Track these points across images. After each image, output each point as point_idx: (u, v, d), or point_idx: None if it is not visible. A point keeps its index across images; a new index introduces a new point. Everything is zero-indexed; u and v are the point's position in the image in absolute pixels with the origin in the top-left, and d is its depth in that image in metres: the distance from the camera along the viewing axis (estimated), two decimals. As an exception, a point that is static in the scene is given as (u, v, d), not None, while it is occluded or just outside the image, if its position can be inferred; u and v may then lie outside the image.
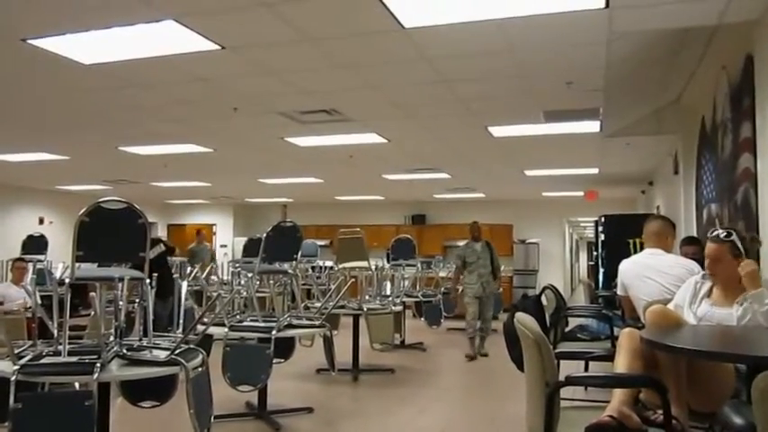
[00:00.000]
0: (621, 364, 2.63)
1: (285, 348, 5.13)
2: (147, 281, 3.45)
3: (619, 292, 4.06)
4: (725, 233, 2.85)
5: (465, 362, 7.79)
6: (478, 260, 8.13)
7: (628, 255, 4.22)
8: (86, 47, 4.37)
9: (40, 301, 3.77)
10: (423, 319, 9.65)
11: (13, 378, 2.76)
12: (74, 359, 3.01)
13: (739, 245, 2.81)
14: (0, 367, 2.96)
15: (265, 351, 4.54)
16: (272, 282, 6.00)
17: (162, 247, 6.95)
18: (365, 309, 6.91)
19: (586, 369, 4.77)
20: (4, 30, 4.08)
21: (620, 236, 8.39)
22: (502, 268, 12.14)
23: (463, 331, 10.77)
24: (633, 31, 4.19)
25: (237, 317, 5.26)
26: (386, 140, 7.73)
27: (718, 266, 2.86)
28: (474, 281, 8.08)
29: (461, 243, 12.02)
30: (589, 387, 4.58)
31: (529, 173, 10.55)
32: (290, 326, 4.95)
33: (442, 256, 13.87)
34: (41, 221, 13.57)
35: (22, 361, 2.89)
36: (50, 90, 5.63)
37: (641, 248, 4.22)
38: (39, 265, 8.22)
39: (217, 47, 4.33)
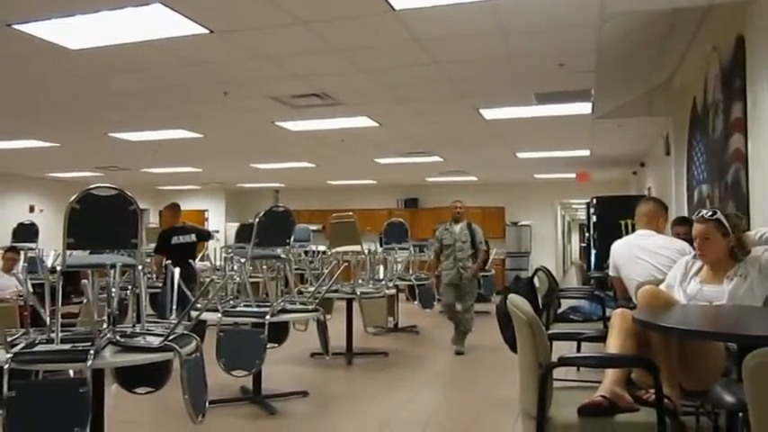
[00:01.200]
0: (613, 345, 2.65)
1: (279, 333, 5.13)
2: (140, 267, 3.44)
3: (611, 273, 4.08)
4: (710, 212, 2.88)
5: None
6: (455, 243, 7.25)
7: (620, 236, 4.23)
8: (73, 32, 4.32)
9: (31, 290, 3.76)
10: (416, 302, 9.69)
11: (6, 366, 2.75)
12: (67, 346, 3.01)
13: (725, 222, 2.83)
14: (-7, 356, 2.96)
15: (259, 336, 4.54)
16: (265, 267, 6.00)
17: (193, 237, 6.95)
18: (358, 293, 6.92)
19: (579, 350, 4.80)
20: (-11, 15, 4.03)
21: (612, 217, 8.43)
22: (493, 252, 12.24)
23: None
24: (625, 11, 4.18)
25: (231, 302, 5.26)
26: (377, 124, 7.71)
27: (708, 245, 2.88)
28: (450, 266, 7.24)
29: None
30: (581, 368, 4.62)
31: (521, 155, 10.56)
32: (284, 311, 4.95)
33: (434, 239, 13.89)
34: (32, 209, 13.50)
35: (15, 349, 2.88)
36: (38, 76, 5.58)
37: (633, 230, 4.24)
38: (30, 253, 8.19)
39: (205, 30, 4.30)
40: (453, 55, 5.02)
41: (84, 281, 3.29)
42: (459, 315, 7.24)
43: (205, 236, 7.58)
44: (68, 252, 3.18)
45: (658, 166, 8.63)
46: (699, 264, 2.99)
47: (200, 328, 3.99)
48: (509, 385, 5.14)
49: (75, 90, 6.07)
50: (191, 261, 5.47)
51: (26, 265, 6.44)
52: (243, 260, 5.44)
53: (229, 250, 7.52)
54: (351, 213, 7.70)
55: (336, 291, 6.77)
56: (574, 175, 12.78)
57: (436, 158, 10.92)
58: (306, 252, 10.23)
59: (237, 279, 5.85)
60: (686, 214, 5.54)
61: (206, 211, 17.33)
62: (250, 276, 5.58)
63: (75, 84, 5.82)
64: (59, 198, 12.57)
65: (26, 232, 9.17)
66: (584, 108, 6.85)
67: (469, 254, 7.23)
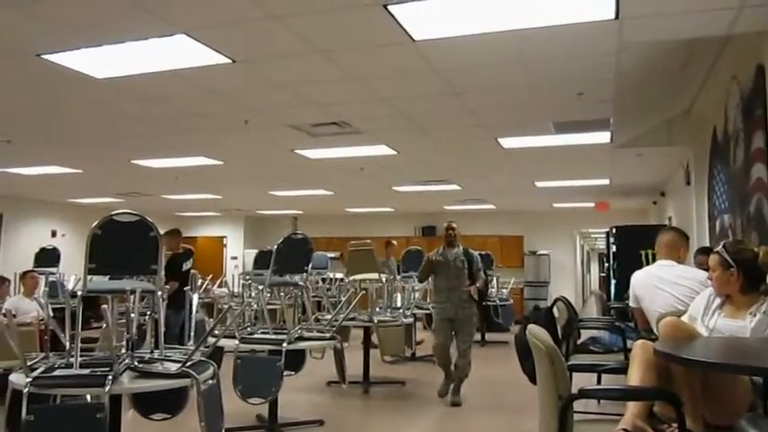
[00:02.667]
0: (635, 377, 2.60)
1: (296, 361, 5.12)
2: (159, 293, 3.46)
3: (631, 303, 4.03)
4: (719, 246, 2.89)
5: (476, 375, 7.70)
6: (450, 270, 6.18)
7: (640, 266, 4.19)
8: (99, 61, 4.42)
9: (52, 314, 3.79)
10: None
11: (25, 390, 2.77)
12: (86, 371, 3.02)
13: (726, 256, 2.82)
14: (13, 379, 2.98)
15: (276, 363, 4.53)
16: (282, 294, 6.00)
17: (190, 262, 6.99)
18: (376, 321, 6.89)
19: (599, 382, 4.72)
20: (19, 45, 4.14)
21: (632, 247, 8.33)
22: (512, 281, 12.09)
23: (475, 344, 10.73)
24: (643, 41, 4.19)
25: (248, 329, 5.26)
26: (396, 152, 7.75)
27: (714, 278, 2.88)
28: (443, 299, 6.16)
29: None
30: (602, 400, 4.54)
31: (539, 184, 10.53)
32: (301, 338, 4.95)
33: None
34: (54, 234, 13.67)
35: (35, 373, 2.90)
36: (64, 104, 5.69)
37: (653, 260, 4.19)
38: (51, 278, 8.27)
39: (228, 60, 4.37)
40: (472, 84, 5.05)
41: (104, 306, 3.31)
42: (456, 361, 6.08)
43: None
44: (89, 277, 3.22)
45: (679, 196, 8.55)
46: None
47: (217, 354, 3.99)
48: (529, 418, 5.06)
49: (100, 118, 6.18)
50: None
51: (47, 289, 6.52)
52: (261, 287, 5.45)
53: (247, 277, 7.53)
54: (369, 241, 7.71)
55: (353, 319, 6.75)
56: (593, 204, 12.70)
57: (454, 186, 10.92)
58: (323, 279, 10.21)
59: (255, 306, 5.86)
60: (708, 244, 5.47)
61: (224, 237, 17.44)
62: (268, 303, 5.58)
63: (100, 112, 5.93)
64: (81, 223, 12.73)
65: (48, 257, 9.28)
66: (603, 137, 6.83)
67: (466, 284, 6.13)
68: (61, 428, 2.84)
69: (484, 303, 10.65)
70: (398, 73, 4.76)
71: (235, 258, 17.02)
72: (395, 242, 10.60)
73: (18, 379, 2.91)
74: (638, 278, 3.97)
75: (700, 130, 5.98)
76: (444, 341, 6.06)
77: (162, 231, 3.36)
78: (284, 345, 4.61)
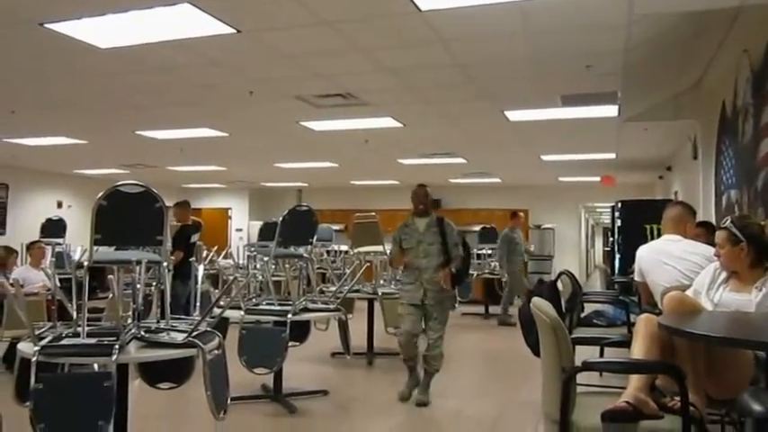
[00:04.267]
0: (638, 350, 2.61)
1: (300, 332, 5.16)
2: (165, 264, 3.47)
3: (636, 278, 4.03)
4: (725, 221, 2.88)
5: (478, 347, 7.76)
6: (420, 245, 5.09)
7: (645, 241, 4.19)
8: (103, 31, 4.38)
9: (59, 284, 3.82)
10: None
11: (33, 359, 2.80)
12: (93, 341, 3.06)
13: (736, 231, 2.80)
14: (21, 348, 3.02)
15: (281, 334, 4.57)
16: (287, 266, 6.03)
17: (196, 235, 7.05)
18: (380, 293, 6.92)
19: (602, 355, 4.76)
20: (22, 14, 4.10)
21: (637, 222, 8.33)
22: (526, 251, 11.99)
23: (479, 316, 10.84)
24: (654, 13, 4.13)
25: (253, 300, 5.29)
26: (401, 125, 7.71)
27: (721, 254, 2.87)
28: (411, 279, 5.10)
29: (477, 228, 12.10)
30: (604, 373, 4.58)
31: (545, 157, 10.48)
32: (306, 309, 4.98)
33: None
34: (60, 205, 13.71)
35: (43, 342, 2.93)
36: (68, 74, 5.66)
37: (659, 234, 4.19)
38: (57, 249, 8.32)
39: (232, 30, 4.33)
40: (479, 56, 4.99)
41: (110, 276, 3.34)
42: (425, 352, 5.08)
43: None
44: (95, 248, 3.23)
45: (685, 171, 8.50)
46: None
47: (222, 325, 4.02)
48: (530, 389, 5.12)
49: (104, 88, 6.15)
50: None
51: (54, 260, 6.56)
52: (266, 259, 5.47)
53: (252, 249, 7.56)
54: (373, 214, 7.71)
55: (358, 291, 6.79)
56: (599, 179, 12.65)
57: (460, 160, 10.88)
58: (328, 252, 10.26)
59: (260, 277, 5.89)
60: (714, 219, 5.46)
61: (229, 209, 17.47)
62: (272, 275, 5.61)
63: (104, 82, 5.90)
64: (87, 194, 12.76)
65: (54, 228, 9.32)
66: (611, 111, 6.77)
67: (439, 262, 5.03)
68: (69, 397, 2.88)
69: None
70: (404, 44, 4.71)
71: (240, 230, 17.07)
72: (521, 213, 10.63)
73: (26, 348, 2.95)
74: (644, 252, 3.97)
75: (708, 104, 5.93)
76: (411, 328, 5.03)
77: (168, 203, 3.36)
78: (289, 316, 4.64)
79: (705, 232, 4.23)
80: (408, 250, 5.11)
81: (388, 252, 6.18)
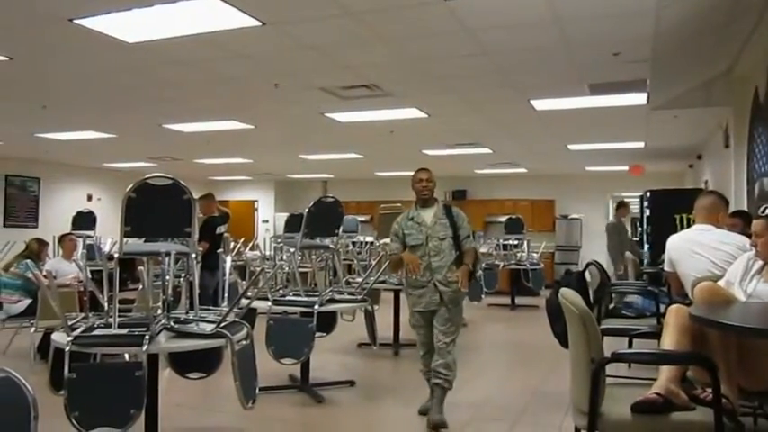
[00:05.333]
0: (669, 341, 2.58)
1: (327, 322, 5.19)
2: (193, 255, 3.51)
3: (666, 268, 3.98)
4: (764, 209, 2.81)
5: (504, 338, 7.72)
6: (429, 241, 4.30)
7: (674, 231, 4.13)
8: (130, 26, 4.43)
9: (90, 276, 3.89)
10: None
11: (67, 349, 2.86)
12: (124, 331, 3.11)
13: None
14: (55, 338, 3.08)
15: (308, 325, 4.59)
16: (313, 257, 6.06)
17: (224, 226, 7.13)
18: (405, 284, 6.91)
19: (630, 346, 4.71)
20: (52, 10, 4.16)
21: (667, 211, 8.20)
22: (542, 245, 11.95)
23: (506, 307, 10.79)
24: (684, -2, 4.05)
25: (280, 291, 5.33)
26: (426, 115, 7.67)
27: (759, 242, 2.81)
28: (423, 282, 4.30)
29: (503, 219, 12.02)
30: (633, 365, 4.53)
31: (572, 147, 10.36)
32: (332, 300, 5.00)
33: (482, 231, 13.78)
34: (90, 198, 13.95)
35: (76, 332, 2.99)
36: (96, 69, 5.74)
37: (689, 224, 4.12)
38: (88, 241, 8.46)
39: (258, 23, 4.34)
40: (504, 45, 4.94)
41: (140, 268, 3.38)
42: (435, 361, 4.25)
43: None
44: (125, 240, 3.28)
45: (716, 159, 8.34)
46: (761, 261, 2.89)
47: (250, 316, 4.06)
48: (558, 379, 5.08)
49: (131, 82, 6.23)
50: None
51: (85, 252, 6.67)
52: (292, 250, 5.50)
53: (279, 240, 7.61)
54: (399, 204, 7.70)
55: (384, 282, 6.79)
56: (627, 168, 12.47)
57: (485, 150, 10.81)
58: (354, 243, 10.28)
59: (287, 269, 5.93)
60: (746, 208, 5.35)
61: (256, 201, 17.59)
62: (299, 266, 5.64)
63: (131, 76, 5.97)
64: (115, 187, 12.96)
65: (85, 220, 9.49)
66: (640, 99, 6.67)
67: (453, 258, 4.31)
68: (102, 386, 2.94)
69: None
70: (429, 34, 4.68)
71: (266, 222, 17.18)
72: (627, 202, 10.63)
73: (60, 338, 3.01)
74: (675, 242, 3.91)
75: (740, 90, 5.80)
76: (427, 339, 4.39)
77: (195, 195, 3.39)
78: (316, 307, 4.66)
79: (741, 222, 4.15)
80: (415, 248, 4.32)
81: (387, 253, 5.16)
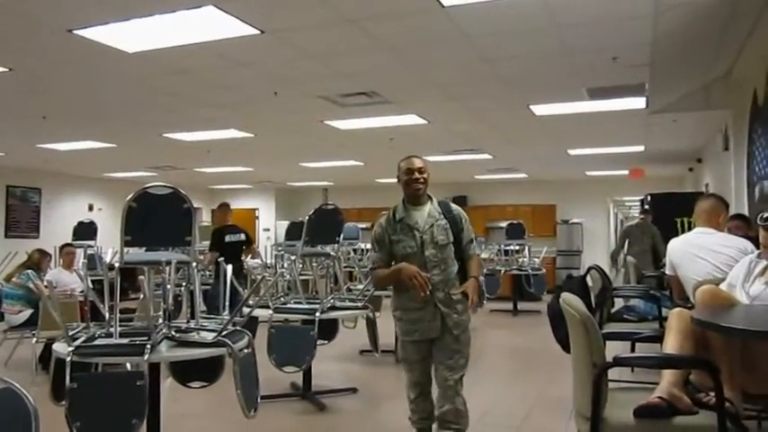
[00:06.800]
0: (671, 345, 2.57)
1: (329, 330, 5.18)
2: (194, 264, 3.51)
3: (667, 271, 3.97)
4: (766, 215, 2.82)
5: (506, 343, 7.70)
6: (425, 249, 3.33)
7: (675, 234, 4.12)
8: (129, 35, 4.45)
9: (91, 285, 3.88)
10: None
11: (68, 359, 2.85)
12: (125, 341, 3.10)
13: None
14: (56, 348, 3.07)
15: (309, 333, 4.58)
16: (314, 264, 6.04)
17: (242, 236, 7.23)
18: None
19: (632, 350, 4.69)
20: (52, 21, 4.18)
21: (668, 215, 8.22)
22: (543, 250, 11.94)
23: (508, 313, 10.74)
24: (682, 2, 4.05)
25: (281, 299, 5.32)
26: (426, 122, 7.68)
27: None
28: (415, 304, 3.31)
29: (504, 224, 12.00)
30: (636, 369, 4.51)
31: (572, 152, 10.37)
32: (334, 308, 4.99)
33: (484, 237, 13.77)
34: (90, 208, 13.97)
35: (77, 342, 2.98)
36: (96, 79, 5.75)
37: (689, 228, 4.12)
38: (89, 251, 8.45)
39: (257, 31, 4.36)
40: (503, 50, 4.95)
41: (141, 277, 3.38)
42: (439, 408, 3.29)
43: (250, 239, 7.72)
44: (125, 249, 3.27)
45: (716, 162, 8.35)
46: (763, 263, 2.88)
47: (252, 324, 4.05)
48: (560, 385, 5.06)
49: (131, 92, 6.24)
50: (242, 258, 5.60)
51: (86, 261, 6.67)
52: (293, 258, 5.49)
53: (280, 248, 7.61)
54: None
55: (385, 288, 6.77)
56: (627, 172, 12.48)
57: (485, 156, 10.81)
58: (355, 250, 10.26)
59: (288, 276, 5.92)
60: (746, 211, 5.35)
61: (256, 209, 17.60)
62: (300, 274, 5.63)
63: (131, 86, 5.98)
64: (116, 197, 12.97)
65: (86, 230, 9.47)
66: (638, 103, 6.68)
67: (456, 268, 3.38)
68: (103, 396, 2.93)
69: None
70: (428, 40, 4.69)
71: (267, 230, 17.18)
72: (647, 205, 10.59)
73: (61, 348, 3.00)
74: (676, 246, 3.91)
75: (739, 93, 5.80)
76: (423, 377, 3.42)
77: (196, 204, 3.39)
78: (317, 314, 4.65)
79: (743, 225, 4.15)
80: (407, 258, 3.30)
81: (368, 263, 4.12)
